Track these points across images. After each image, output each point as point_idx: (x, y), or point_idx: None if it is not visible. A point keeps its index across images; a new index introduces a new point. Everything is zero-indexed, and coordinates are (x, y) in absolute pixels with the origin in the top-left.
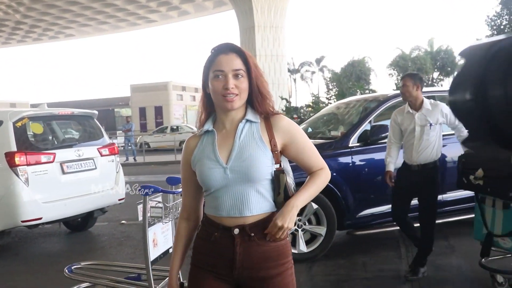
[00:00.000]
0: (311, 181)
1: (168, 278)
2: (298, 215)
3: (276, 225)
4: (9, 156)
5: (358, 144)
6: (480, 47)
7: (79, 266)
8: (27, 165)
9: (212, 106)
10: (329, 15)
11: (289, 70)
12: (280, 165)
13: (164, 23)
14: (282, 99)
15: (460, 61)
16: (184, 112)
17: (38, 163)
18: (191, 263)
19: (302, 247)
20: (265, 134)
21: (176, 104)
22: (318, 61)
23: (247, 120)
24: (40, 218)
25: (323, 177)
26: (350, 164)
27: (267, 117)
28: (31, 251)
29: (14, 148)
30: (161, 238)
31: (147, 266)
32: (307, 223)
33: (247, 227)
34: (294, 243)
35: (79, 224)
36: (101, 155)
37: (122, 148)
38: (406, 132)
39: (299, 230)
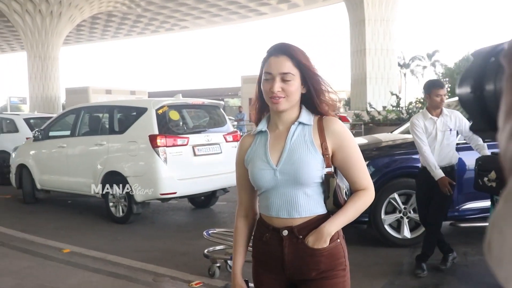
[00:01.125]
0: (351, 204)
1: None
2: (404, 203)
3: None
4: (152, 138)
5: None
6: (487, 48)
7: (215, 231)
8: (166, 146)
9: (266, 105)
10: (444, 8)
11: (399, 65)
12: (331, 169)
13: (274, 15)
14: (392, 94)
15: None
16: None
17: (175, 145)
18: (252, 257)
19: (406, 233)
20: (316, 137)
21: None
22: (430, 55)
23: (300, 123)
24: (175, 193)
25: (364, 199)
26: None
27: (321, 118)
28: (164, 221)
29: (156, 131)
30: None
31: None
32: (412, 212)
33: (295, 229)
34: (398, 229)
35: (202, 202)
36: (226, 141)
37: None
38: (428, 138)
39: (404, 217)
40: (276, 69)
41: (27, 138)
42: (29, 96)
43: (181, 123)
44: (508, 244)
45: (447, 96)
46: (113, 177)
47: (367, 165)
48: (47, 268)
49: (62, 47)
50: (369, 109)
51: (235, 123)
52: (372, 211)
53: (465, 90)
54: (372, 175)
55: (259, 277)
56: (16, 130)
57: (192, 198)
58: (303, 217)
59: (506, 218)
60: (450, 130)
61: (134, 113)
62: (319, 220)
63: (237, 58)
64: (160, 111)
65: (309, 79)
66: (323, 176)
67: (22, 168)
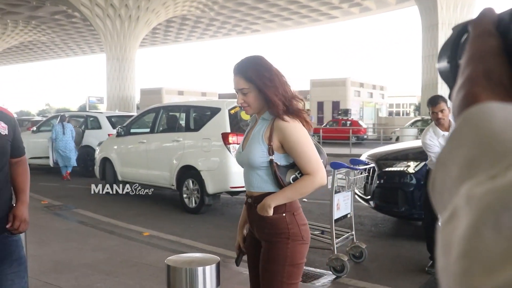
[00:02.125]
0: (291, 185)
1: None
2: None
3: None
4: (225, 136)
5: None
6: (465, 21)
7: None
8: (237, 143)
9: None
10: None
11: None
12: (273, 157)
13: (345, 19)
14: None
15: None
16: (361, 108)
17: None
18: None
19: None
20: (267, 132)
21: (353, 100)
22: None
23: (262, 119)
24: (243, 186)
25: (304, 182)
26: None
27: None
28: (233, 213)
29: (228, 129)
30: (343, 203)
31: (331, 223)
32: None
33: (253, 199)
34: None
35: None
36: None
37: None
38: None
39: None
40: (236, 86)
41: (109, 135)
42: (107, 96)
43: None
44: (450, 174)
45: (449, 109)
46: (188, 171)
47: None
48: (130, 247)
49: (138, 49)
50: None
51: None
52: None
53: (443, 61)
54: None
55: (247, 233)
56: (99, 127)
57: None
58: (257, 191)
59: (449, 153)
60: None
61: (209, 113)
62: (269, 195)
63: (306, 62)
64: (232, 111)
65: (263, 89)
66: (267, 162)
67: (106, 161)
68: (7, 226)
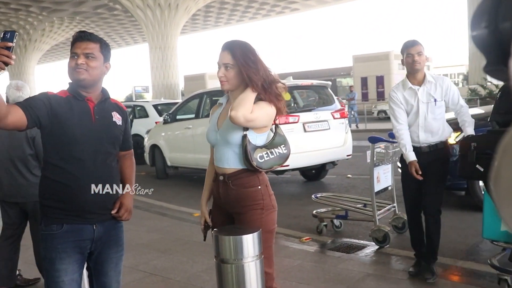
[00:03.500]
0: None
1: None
2: None
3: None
4: None
5: None
6: None
7: (322, 195)
8: (279, 124)
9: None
10: None
11: None
12: (247, 132)
13: None
14: None
15: None
16: None
17: (287, 122)
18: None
19: None
20: None
21: (398, 73)
22: None
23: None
24: (288, 165)
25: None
26: None
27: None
28: (279, 191)
29: None
30: (382, 176)
31: (372, 196)
32: None
33: (226, 176)
34: None
35: (313, 175)
36: (334, 118)
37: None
38: (411, 111)
39: None
40: (220, 60)
41: (156, 122)
42: (151, 85)
43: (292, 103)
44: None
45: (425, 57)
46: None
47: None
48: (182, 227)
49: (179, 37)
50: (486, 83)
51: (346, 101)
52: None
53: (479, 28)
54: None
55: (213, 208)
56: (146, 115)
57: (304, 171)
58: (232, 168)
59: None
60: (435, 100)
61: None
62: (242, 172)
63: (348, 38)
64: None
65: (243, 68)
66: (242, 136)
67: (155, 148)
68: (113, 212)
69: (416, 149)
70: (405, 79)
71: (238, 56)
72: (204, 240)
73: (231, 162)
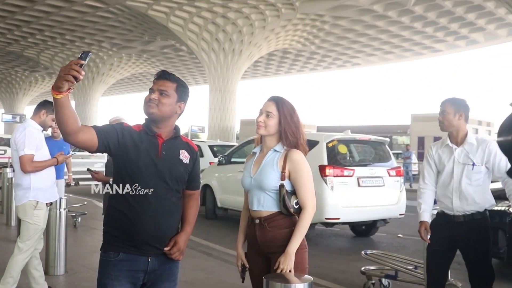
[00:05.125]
0: (297, 227)
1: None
2: None
3: (279, 266)
4: (322, 168)
5: None
6: None
7: (372, 252)
8: (334, 176)
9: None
10: None
11: None
12: (284, 182)
13: (450, 52)
14: None
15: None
16: None
17: (341, 175)
18: (247, 240)
19: None
20: (281, 160)
21: None
22: None
23: (274, 150)
24: (339, 218)
25: (304, 220)
26: None
27: (289, 150)
28: (327, 243)
29: (325, 162)
30: None
31: (424, 258)
32: None
33: (262, 219)
34: None
35: (363, 231)
36: (389, 175)
37: None
38: (443, 171)
39: None
40: (264, 108)
41: (210, 163)
42: (208, 125)
43: (348, 156)
44: None
45: (457, 116)
46: None
47: None
48: (227, 269)
49: (240, 81)
50: None
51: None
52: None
53: (506, 136)
54: None
55: (249, 251)
56: (201, 155)
57: (353, 226)
58: (267, 210)
59: None
60: (473, 164)
61: (307, 147)
62: (277, 215)
63: (407, 96)
64: (330, 144)
65: (283, 121)
66: (278, 186)
67: (206, 188)
68: (165, 248)
69: (449, 218)
70: (445, 137)
71: (283, 110)
72: (242, 282)
73: (266, 206)
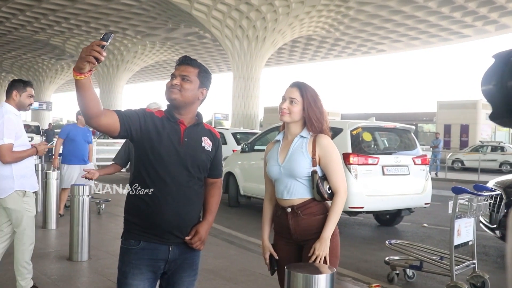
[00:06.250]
0: (331, 212)
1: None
2: None
3: (314, 252)
4: (346, 156)
5: None
6: (506, 51)
7: (397, 242)
8: (358, 164)
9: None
10: None
11: None
12: (316, 168)
13: (478, 37)
14: None
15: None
16: (493, 132)
17: (365, 164)
18: (274, 230)
19: None
20: (310, 146)
21: (485, 123)
22: None
23: (301, 136)
24: (363, 207)
25: (337, 204)
26: None
27: (316, 134)
28: (350, 233)
29: (349, 150)
30: (464, 230)
31: (450, 249)
32: None
33: (295, 207)
34: None
35: (387, 220)
36: (414, 164)
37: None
38: None
39: None
40: (287, 94)
41: (233, 150)
42: (231, 113)
43: (372, 144)
44: None
45: None
46: None
47: None
48: (249, 257)
49: (263, 69)
50: None
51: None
52: None
53: (488, 84)
54: None
55: (277, 242)
56: (225, 142)
57: (378, 215)
58: (299, 198)
59: None
60: None
61: (331, 133)
62: (310, 202)
63: (433, 83)
64: (354, 132)
65: (307, 107)
66: (310, 172)
67: (229, 175)
68: (186, 238)
69: None
70: None
71: (306, 96)
72: (272, 274)
73: (298, 193)
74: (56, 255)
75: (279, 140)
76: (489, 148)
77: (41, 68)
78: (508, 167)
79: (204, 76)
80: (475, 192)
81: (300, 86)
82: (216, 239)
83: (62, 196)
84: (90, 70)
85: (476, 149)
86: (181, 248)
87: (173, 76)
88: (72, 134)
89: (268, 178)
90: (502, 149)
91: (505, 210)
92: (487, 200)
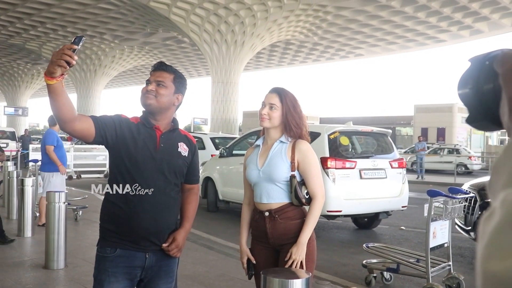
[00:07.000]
0: (308, 217)
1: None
2: None
3: (291, 257)
4: (323, 160)
5: None
6: (482, 54)
7: (374, 245)
8: (335, 168)
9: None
10: None
11: None
12: (295, 173)
13: (453, 42)
14: None
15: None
16: (468, 136)
17: (343, 168)
18: (251, 235)
19: None
20: (289, 151)
21: (461, 127)
22: None
23: (280, 141)
24: (341, 211)
25: (315, 209)
26: None
27: (295, 140)
28: (329, 236)
29: (327, 154)
30: (439, 232)
31: (426, 251)
32: None
33: (272, 211)
34: None
35: (365, 223)
36: (391, 167)
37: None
38: None
39: None
40: (267, 100)
41: (212, 155)
42: (210, 118)
43: (350, 148)
44: (499, 181)
45: None
46: None
47: None
48: (228, 262)
49: (242, 73)
50: None
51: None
52: None
53: (464, 88)
54: None
55: (254, 246)
56: (203, 147)
57: (356, 219)
58: (277, 202)
59: (503, 163)
60: None
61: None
62: (288, 206)
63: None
64: (331, 136)
65: (287, 113)
66: (289, 176)
67: (208, 180)
68: (163, 245)
69: None
70: None
71: (286, 101)
72: (250, 278)
73: (276, 197)
74: (32, 263)
75: (259, 145)
76: (446, 150)
77: (17, 73)
78: (463, 168)
79: (180, 82)
80: (450, 195)
81: (279, 92)
82: (195, 244)
83: (44, 204)
84: (62, 74)
85: (435, 151)
86: (158, 255)
87: (148, 82)
88: (60, 141)
89: (247, 183)
90: (458, 151)
91: (479, 212)
92: (461, 203)
